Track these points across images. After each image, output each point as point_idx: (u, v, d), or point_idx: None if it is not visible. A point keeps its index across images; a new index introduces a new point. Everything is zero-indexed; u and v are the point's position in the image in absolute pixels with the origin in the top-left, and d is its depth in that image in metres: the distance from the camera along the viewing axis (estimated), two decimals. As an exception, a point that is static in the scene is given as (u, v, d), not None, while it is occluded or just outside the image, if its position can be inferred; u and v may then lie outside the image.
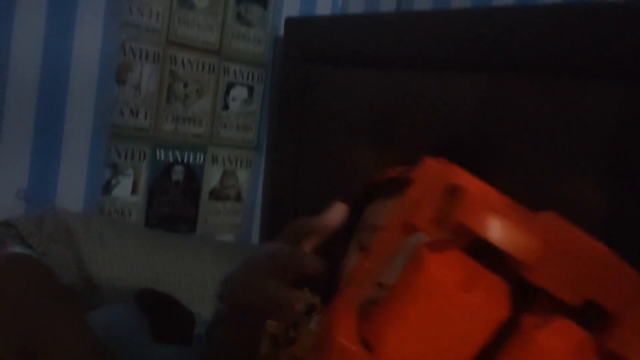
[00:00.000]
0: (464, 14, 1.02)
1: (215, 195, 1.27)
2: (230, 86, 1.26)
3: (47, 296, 0.61)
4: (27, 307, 0.59)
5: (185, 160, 1.22)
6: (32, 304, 0.59)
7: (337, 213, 0.69)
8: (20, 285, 0.61)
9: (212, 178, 1.26)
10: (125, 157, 1.14)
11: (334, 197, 1.09)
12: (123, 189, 1.14)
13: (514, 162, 0.88)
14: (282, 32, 1.30)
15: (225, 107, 1.26)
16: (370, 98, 1.09)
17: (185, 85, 1.20)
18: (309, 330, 0.68)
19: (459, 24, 0.97)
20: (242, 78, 1.28)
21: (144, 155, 1.16)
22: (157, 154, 1.18)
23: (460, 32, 0.96)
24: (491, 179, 0.86)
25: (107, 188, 1.12)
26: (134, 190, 1.15)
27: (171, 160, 1.20)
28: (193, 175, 1.23)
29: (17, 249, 0.84)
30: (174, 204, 1.21)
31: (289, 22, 1.28)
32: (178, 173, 1.21)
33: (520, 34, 0.89)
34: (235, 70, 1.27)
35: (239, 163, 1.30)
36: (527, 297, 0.46)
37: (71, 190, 1.06)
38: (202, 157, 1.24)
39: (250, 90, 1.30)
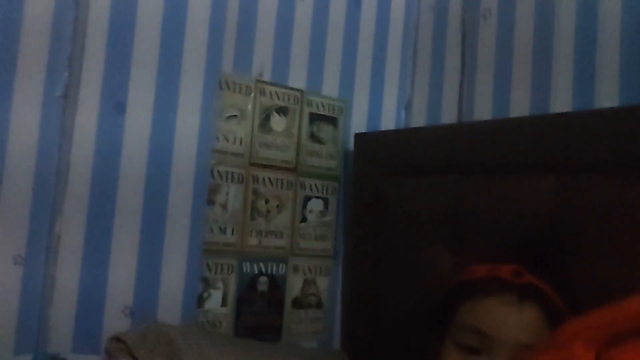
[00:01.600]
0: (526, 121, 1.08)
1: (297, 303, 1.33)
2: (307, 200, 1.36)
3: None
4: None
5: (269, 272, 1.29)
6: None
7: None
8: None
9: (294, 287, 1.33)
10: (216, 272, 1.22)
11: (412, 300, 1.14)
12: (214, 301, 1.22)
13: (586, 259, 0.91)
14: (351, 146, 1.40)
15: (303, 219, 1.35)
16: (440, 203, 1.14)
17: (267, 202, 1.29)
18: None
19: (522, 131, 1.03)
20: (318, 191, 1.37)
21: (232, 269, 1.24)
22: (244, 266, 1.26)
23: (525, 138, 1.02)
24: (564, 276, 0.90)
25: (200, 301, 1.20)
26: (223, 302, 1.23)
27: (256, 271, 1.28)
28: (276, 285, 1.30)
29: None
30: (260, 314, 1.28)
31: (358, 137, 1.38)
32: (263, 284, 1.29)
33: (581, 136, 0.95)
34: (310, 184, 1.36)
35: (318, 272, 1.36)
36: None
37: (170, 305, 1.14)
38: (284, 268, 1.32)
39: (326, 202, 1.38)
